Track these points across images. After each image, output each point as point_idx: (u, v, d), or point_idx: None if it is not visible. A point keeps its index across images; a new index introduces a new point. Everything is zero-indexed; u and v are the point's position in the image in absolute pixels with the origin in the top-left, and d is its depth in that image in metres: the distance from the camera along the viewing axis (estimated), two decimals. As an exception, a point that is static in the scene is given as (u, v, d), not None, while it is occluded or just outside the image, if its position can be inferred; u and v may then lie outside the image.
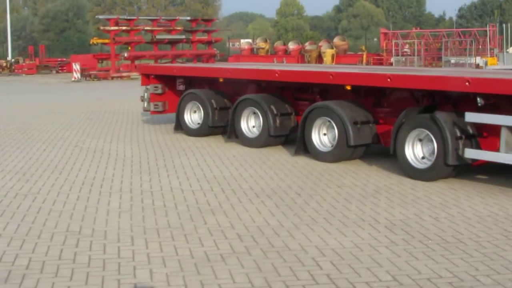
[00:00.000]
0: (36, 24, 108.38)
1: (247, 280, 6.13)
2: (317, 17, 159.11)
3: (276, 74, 13.64)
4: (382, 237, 7.44)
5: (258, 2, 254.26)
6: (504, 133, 9.76)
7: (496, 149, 9.97)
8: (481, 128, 10.42)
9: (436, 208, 8.71)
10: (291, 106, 13.70)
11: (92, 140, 15.13)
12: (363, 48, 51.32)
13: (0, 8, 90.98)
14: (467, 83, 10.17)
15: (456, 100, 11.01)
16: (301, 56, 48.81)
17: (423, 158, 10.77)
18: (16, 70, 55.91)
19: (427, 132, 10.57)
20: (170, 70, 17.67)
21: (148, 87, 16.98)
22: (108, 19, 49.99)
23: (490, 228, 7.81)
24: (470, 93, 10.34)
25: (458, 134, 10.21)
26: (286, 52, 50.88)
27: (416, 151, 10.83)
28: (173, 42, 50.94)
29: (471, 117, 10.15)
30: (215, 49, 53.82)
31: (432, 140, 10.49)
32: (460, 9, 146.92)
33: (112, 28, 46.73)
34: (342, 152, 12.03)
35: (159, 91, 16.90)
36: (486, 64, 42.35)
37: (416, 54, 46.68)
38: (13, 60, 60.44)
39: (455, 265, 6.51)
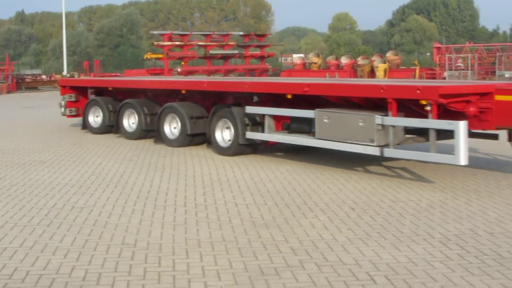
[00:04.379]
0: (91, 39, 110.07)
1: (301, 294, 6.14)
2: (370, 32, 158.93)
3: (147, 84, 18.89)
4: (436, 252, 7.39)
5: (310, 17, 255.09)
6: (267, 120, 14.03)
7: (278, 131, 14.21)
8: (273, 117, 14.08)
9: (491, 223, 8.63)
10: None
11: (146, 154, 15.29)
12: (416, 62, 51.02)
13: (56, 24, 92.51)
14: (246, 86, 14.90)
15: (244, 97, 15.03)
16: (354, 71, 48.67)
17: (229, 140, 14.90)
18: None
19: (228, 121, 14.83)
20: (81, 82, 23.36)
21: (65, 96, 21.06)
22: (162, 34, 50.41)
23: (547, 244, 7.71)
24: (248, 93, 14.86)
25: (246, 122, 14.49)
26: (338, 67, 50.77)
27: (224, 135, 15.10)
28: (226, 57, 51.17)
29: (249, 109, 14.40)
30: (267, 64, 53.93)
31: (231, 127, 14.75)
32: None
33: (166, 43, 47.13)
34: (184, 139, 16.31)
35: (73, 99, 21.04)
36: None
37: (469, 68, 46.27)
38: (68, 75, 61.36)
39: (511, 280, 6.44)
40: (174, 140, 16.56)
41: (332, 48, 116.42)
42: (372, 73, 47.34)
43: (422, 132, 12.11)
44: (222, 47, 51.05)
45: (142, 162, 14.06)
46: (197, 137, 16.36)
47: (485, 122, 11.67)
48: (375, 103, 12.40)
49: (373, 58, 49.77)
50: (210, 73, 48.73)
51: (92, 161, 14.30)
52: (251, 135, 14.38)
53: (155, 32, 64.04)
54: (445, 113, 11.41)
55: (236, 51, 51.87)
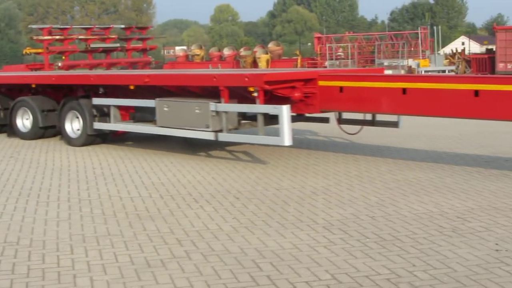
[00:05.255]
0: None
1: (188, 284, 6.15)
2: (252, 23, 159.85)
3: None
4: (320, 237, 7.53)
5: (192, 9, 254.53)
6: (112, 110, 14.45)
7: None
8: (119, 108, 14.60)
9: (372, 208, 8.85)
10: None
11: (27, 150, 14.98)
12: (298, 53, 51.70)
13: None
14: (92, 79, 15.34)
15: (93, 90, 15.63)
16: (236, 62, 48.87)
17: (78, 130, 15.35)
18: None
19: (77, 113, 15.24)
20: None
21: None
22: (41, 29, 49.14)
23: (426, 225, 7.96)
24: (95, 85, 15.43)
25: (94, 113, 14.94)
26: (221, 58, 50.89)
27: (73, 125, 15.49)
28: (107, 51, 50.39)
29: (96, 101, 14.79)
30: (150, 56, 53.51)
31: (79, 118, 15.20)
32: (392, 13, 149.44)
33: (45, 37, 46.06)
34: (36, 132, 16.72)
35: None
36: (418, 66, 43.08)
37: (350, 57, 47.19)
38: None
39: (392, 261, 6.62)
40: (26, 133, 16.95)
41: (215, 40, 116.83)
42: (254, 64, 47.67)
43: (255, 117, 12.76)
44: (103, 40, 50.32)
45: (23, 159, 13.76)
46: (49, 129, 16.77)
47: (311, 106, 12.80)
48: (211, 92, 12.96)
49: (255, 49, 50.11)
50: (91, 67, 47.98)
51: (-30, 159, 13.91)
52: (98, 125, 14.97)
53: (34, 26, 62.31)
54: (273, 98, 12.37)
55: (117, 44, 51.14)
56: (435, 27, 54.99)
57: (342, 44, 50.98)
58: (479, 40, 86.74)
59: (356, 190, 9.96)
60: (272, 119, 12.47)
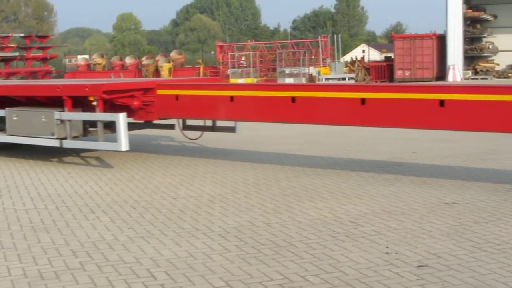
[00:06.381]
0: None
1: (81, 296, 6.12)
2: (155, 31, 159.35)
3: None
4: (216, 245, 7.59)
5: (95, 18, 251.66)
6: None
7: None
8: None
9: (268, 214, 8.96)
10: None
11: None
12: (200, 61, 51.81)
13: None
14: None
15: None
16: (139, 71, 48.66)
17: None
18: None
19: None
20: None
21: None
22: None
23: (320, 230, 8.11)
24: None
25: None
26: (123, 67, 50.57)
27: None
28: (6, 60, 49.58)
29: None
30: (50, 66, 52.80)
31: None
32: (294, 21, 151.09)
33: None
34: None
35: None
36: (319, 73, 43.75)
37: (251, 65, 47.52)
38: None
39: (285, 267, 6.73)
40: None
41: (117, 48, 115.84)
42: (157, 73, 47.58)
43: (107, 125, 13.14)
44: (2, 49, 49.43)
45: None
46: None
47: (150, 114, 13.67)
48: (58, 101, 13.41)
49: (157, 58, 50.04)
50: (-10, 76, 47.06)
51: None
52: None
53: None
54: (115, 107, 13.20)
55: (17, 53, 50.39)
56: (335, 36, 55.91)
57: (244, 53, 51.28)
58: (379, 48, 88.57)
59: (253, 198, 10.07)
60: (131, 126, 13.62)
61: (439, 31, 56.34)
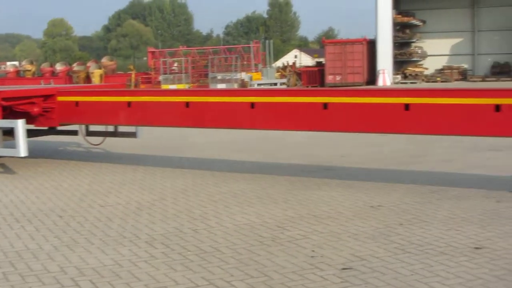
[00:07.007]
0: None
1: (3, 306, 6.04)
2: (86, 37, 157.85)
3: None
4: (142, 252, 7.56)
5: (24, 23, 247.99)
6: None
7: None
8: None
9: (196, 221, 8.96)
10: None
11: None
12: (132, 67, 51.52)
13: None
14: None
15: None
16: (69, 77, 48.18)
17: None
18: None
19: None
20: None
21: None
22: None
23: (247, 235, 8.14)
24: None
25: None
26: (53, 73, 50.01)
27: None
28: None
29: None
30: (-22, 73, 51.91)
31: None
32: (227, 27, 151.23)
33: None
34: None
35: None
36: (251, 79, 43.89)
37: (183, 71, 47.44)
38: None
39: (211, 273, 6.73)
40: None
41: (48, 55, 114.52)
42: (88, 79, 47.15)
43: (7, 132, 13.17)
44: None
45: None
46: None
47: (51, 120, 13.89)
48: None
49: (88, 64, 49.58)
50: None
51: None
52: None
53: None
54: (17, 113, 13.31)
55: None
56: (267, 41, 56.16)
57: (176, 59, 51.16)
58: (311, 53, 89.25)
59: (181, 204, 10.05)
60: (35, 132, 14.46)
61: (370, 36, 56.98)
